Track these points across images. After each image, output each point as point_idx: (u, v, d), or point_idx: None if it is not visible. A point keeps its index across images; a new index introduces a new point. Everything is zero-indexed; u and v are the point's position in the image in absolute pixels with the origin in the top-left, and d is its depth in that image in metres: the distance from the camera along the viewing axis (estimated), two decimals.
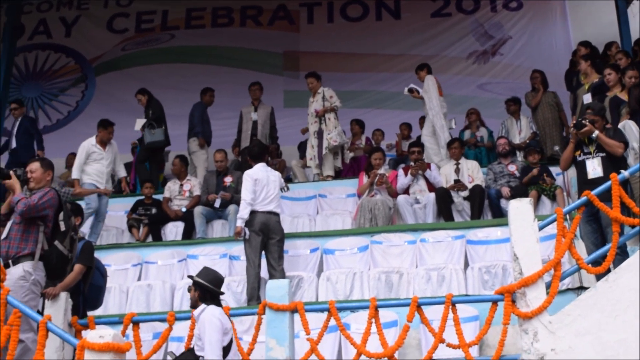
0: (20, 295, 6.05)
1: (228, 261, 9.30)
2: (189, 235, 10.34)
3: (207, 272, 6.16)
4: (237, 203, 10.20)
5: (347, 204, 10.93)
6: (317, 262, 8.99)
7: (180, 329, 6.76)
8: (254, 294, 8.20)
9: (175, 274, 9.38)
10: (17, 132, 12.62)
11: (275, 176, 8.84)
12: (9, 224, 6.44)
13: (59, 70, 16.82)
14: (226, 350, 5.74)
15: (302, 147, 13.06)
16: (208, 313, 5.73)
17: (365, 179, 10.29)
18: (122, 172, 10.94)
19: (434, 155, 11.24)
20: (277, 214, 8.67)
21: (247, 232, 8.40)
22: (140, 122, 12.46)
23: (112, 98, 15.95)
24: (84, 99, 16.35)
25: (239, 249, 9.06)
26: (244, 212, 8.48)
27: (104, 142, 10.50)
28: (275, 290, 6.00)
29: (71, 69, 16.78)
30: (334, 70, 15.29)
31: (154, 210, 10.82)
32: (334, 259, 8.94)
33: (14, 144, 12.60)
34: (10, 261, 6.19)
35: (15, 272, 6.14)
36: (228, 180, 10.65)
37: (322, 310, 6.19)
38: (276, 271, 8.31)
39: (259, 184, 8.55)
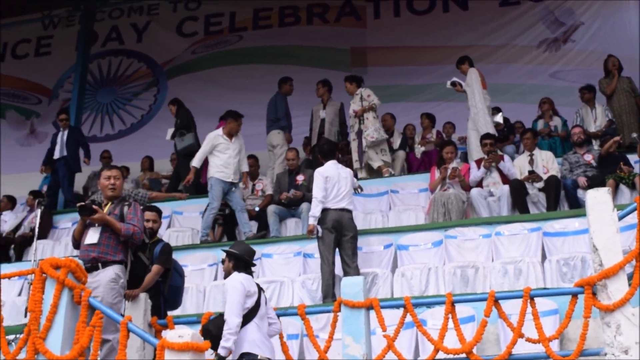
0: (110, 297, 6.27)
1: (302, 259, 9.34)
2: (263, 234, 10.43)
3: (240, 244, 6.45)
4: (310, 201, 10.28)
5: (419, 199, 10.85)
6: (391, 258, 8.96)
7: None
8: (329, 292, 8.21)
9: None
10: (67, 142, 12.95)
11: (346, 173, 8.82)
12: (93, 230, 6.63)
13: (132, 75, 17.18)
14: (253, 311, 5.93)
15: None
16: (232, 278, 6.00)
17: (437, 174, 10.19)
18: (244, 167, 10.79)
19: (475, 152, 11.06)
20: (349, 211, 8.62)
21: (320, 229, 8.42)
22: (170, 132, 12.78)
23: (184, 100, 16.07)
24: (156, 102, 16.66)
25: (312, 246, 9.09)
26: (315, 209, 8.49)
27: (231, 134, 10.54)
28: (350, 288, 5.99)
29: (143, 73, 17.12)
30: (402, 65, 15.22)
31: (227, 211, 10.94)
32: (408, 255, 8.89)
33: (64, 152, 12.92)
34: (99, 264, 6.41)
35: (106, 275, 6.38)
36: (300, 178, 10.68)
37: (397, 307, 6.16)
38: (350, 268, 8.28)
39: (330, 182, 8.54)
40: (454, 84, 11.58)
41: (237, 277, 5.98)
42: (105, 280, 6.40)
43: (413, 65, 15.33)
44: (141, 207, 7.05)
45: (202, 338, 5.23)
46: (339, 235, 8.42)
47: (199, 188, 12.74)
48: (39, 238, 9.71)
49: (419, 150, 12.30)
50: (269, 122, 12.45)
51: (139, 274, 6.83)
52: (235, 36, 16.75)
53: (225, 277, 6.22)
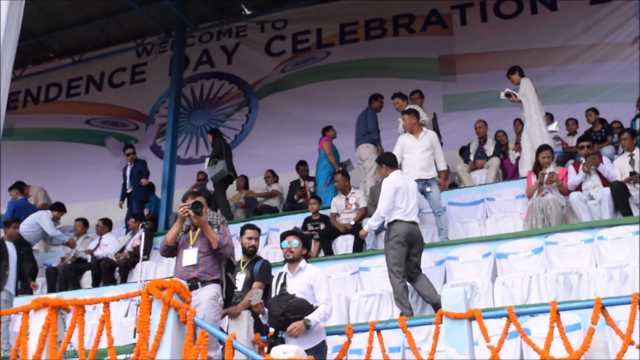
0: (212, 314, 6.45)
1: None
2: (359, 247, 10.44)
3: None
4: None
5: (516, 206, 10.66)
6: (491, 267, 8.81)
7: (359, 341, 6.84)
8: (406, 304, 8.14)
9: (348, 287, 9.50)
10: (131, 175, 13.61)
11: (413, 184, 8.77)
12: (189, 252, 6.82)
13: (224, 96, 17.53)
14: None
15: (464, 152, 12.91)
16: (318, 268, 6.64)
17: (533, 179, 10.00)
18: (441, 165, 10.12)
19: (528, 164, 10.84)
20: (418, 224, 8.57)
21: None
22: (207, 161, 13.40)
23: (276, 119, 16.40)
24: (248, 122, 16.94)
25: None
26: (375, 223, 8.58)
27: (414, 131, 10.23)
28: (451, 298, 5.94)
29: (235, 94, 17.44)
30: (492, 70, 14.97)
31: (322, 226, 11.03)
32: (507, 263, 8.74)
33: (131, 187, 13.61)
34: (199, 283, 6.60)
35: (207, 293, 6.56)
36: None
37: (500, 317, 6.06)
38: (415, 283, 8.31)
39: (400, 192, 8.45)
40: (508, 94, 11.34)
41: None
42: (206, 299, 6.56)
43: (503, 70, 14.93)
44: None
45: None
46: (409, 249, 8.34)
47: (294, 205, 12.93)
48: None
49: (513, 155, 12.10)
50: (358, 135, 12.49)
51: (229, 294, 6.99)
52: (323, 52, 16.88)
53: (293, 260, 6.64)
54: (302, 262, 6.66)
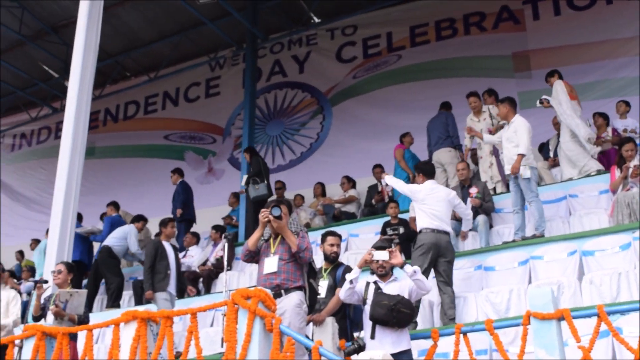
0: (297, 322, 6.49)
1: (483, 272, 9.20)
2: None
3: None
4: (486, 213, 10.15)
5: (600, 201, 10.41)
6: (577, 265, 8.60)
7: (445, 344, 6.77)
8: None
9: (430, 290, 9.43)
10: (174, 198, 14.11)
11: (443, 194, 8.70)
12: (269, 260, 6.89)
13: (297, 105, 17.63)
14: None
15: (543, 148, 12.69)
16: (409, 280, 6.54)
17: (617, 173, 9.74)
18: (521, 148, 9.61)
19: (579, 161, 10.69)
20: (447, 233, 8.49)
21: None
22: (245, 178, 13.59)
23: (350, 125, 16.37)
24: (323, 130, 16.99)
25: (493, 259, 8.96)
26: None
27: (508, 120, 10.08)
28: (538, 299, 5.82)
29: (308, 103, 17.52)
30: (568, 64, 14.64)
31: (401, 230, 10.99)
32: (594, 261, 8.52)
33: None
34: (282, 291, 6.66)
35: (291, 301, 6.62)
36: (473, 191, 10.54)
37: (589, 316, 5.92)
38: (445, 294, 8.28)
39: (419, 196, 8.62)
40: (541, 101, 11.17)
41: None
42: (291, 306, 6.62)
43: (579, 63, 14.75)
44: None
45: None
46: (435, 258, 8.27)
47: (372, 210, 12.92)
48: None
49: (595, 150, 11.82)
50: (436, 139, 12.45)
51: (312, 300, 7.03)
52: (394, 56, 16.81)
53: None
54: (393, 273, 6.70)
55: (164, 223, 10.82)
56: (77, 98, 10.19)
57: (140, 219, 13.13)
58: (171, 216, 13.11)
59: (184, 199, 14.23)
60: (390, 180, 9.33)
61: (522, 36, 15.80)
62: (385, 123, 15.17)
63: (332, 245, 7.60)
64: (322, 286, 7.40)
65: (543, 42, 15.44)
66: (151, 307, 8.97)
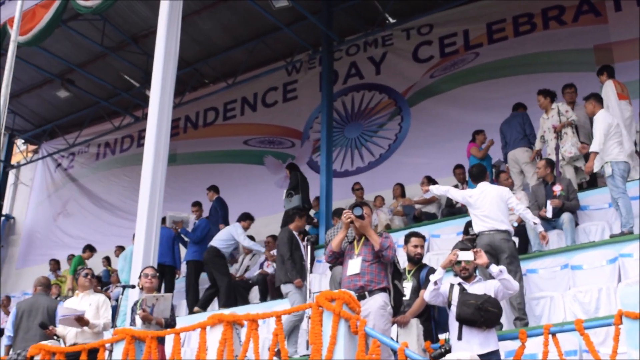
0: (382, 324, 6.48)
1: (570, 272, 9.01)
2: (524, 249, 10.18)
3: None
4: (570, 211, 9.93)
5: None
6: None
7: (533, 345, 6.65)
8: None
9: None
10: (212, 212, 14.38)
11: (495, 192, 8.68)
12: (353, 262, 6.91)
13: (375, 107, 17.56)
14: None
15: None
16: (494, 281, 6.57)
17: None
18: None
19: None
20: (503, 231, 8.45)
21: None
22: (285, 193, 14.42)
23: (429, 125, 16.21)
24: (401, 130, 16.88)
25: (580, 257, 8.76)
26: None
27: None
28: (630, 297, 5.66)
29: (386, 104, 17.42)
30: None
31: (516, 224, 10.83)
32: None
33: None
34: (366, 293, 6.66)
35: (375, 302, 6.62)
36: (557, 189, 10.34)
37: None
38: None
39: (473, 206, 8.61)
40: None
41: None
42: (375, 308, 6.61)
43: None
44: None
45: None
46: (495, 259, 8.15)
47: (452, 210, 12.80)
48: None
49: None
50: (512, 139, 12.34)
51: (397, 301, 6.99)
52: (471, 54, 16.57)
53: None
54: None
55: (299, 214, 10.95)
56: (158, 106, 10.43)
57: (247, 218, 13.28)
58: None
59: (223, 214, 14.68)
60: (439, 190, 9.24)
61: (604, 28, 15.34)
62: (465, 122, 14.95)
63: (415, 246, 7.59)
64: (407, 287, 7.38)
65: (627, 34, 14.91)
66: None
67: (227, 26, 17.81)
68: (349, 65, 18.38)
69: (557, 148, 11.36)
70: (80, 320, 8.35)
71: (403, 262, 7.79)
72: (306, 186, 14.39)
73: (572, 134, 11.33)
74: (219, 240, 12.65)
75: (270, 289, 12.24)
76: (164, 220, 12.72)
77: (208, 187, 15.35)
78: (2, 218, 23.29)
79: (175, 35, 11.02)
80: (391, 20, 17.41)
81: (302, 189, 14.16)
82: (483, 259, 6.43)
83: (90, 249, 17.24)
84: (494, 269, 6.32)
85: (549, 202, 10.17)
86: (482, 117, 14.63)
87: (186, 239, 13.78)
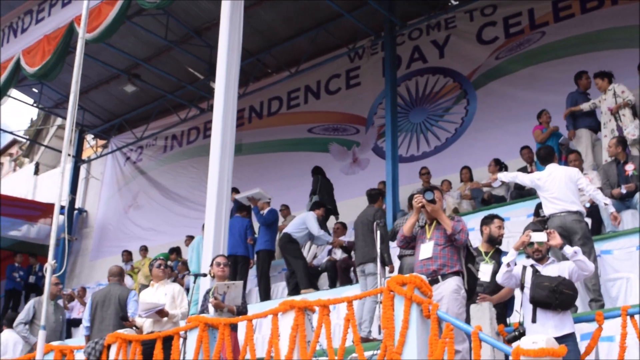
0: (455, 307, 6.45)
1: None
2: (597, 230, 9.97)
3: None
4: None
5: None
6: None
7: (610, 327, 6.52)
8: None
9: None
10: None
11: (563, 173, 8.59)
12: (425, 246, 6.88)
13: (440, 91, 17.37)
14: None
15: None
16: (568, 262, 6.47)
17: None
18: None
19: None
20: (575, 212, 8.35)
21: None
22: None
23: (496, 107, 15.96)
24: (467, 114, 16.66)
25: None
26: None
27: None
28: None
29: (451, 87, 17.22)
30: None
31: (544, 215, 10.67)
32: None
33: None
34: (439, 277, 6.63)
35: (448, 286, 6.58)
36: (629, 168, 10.09)
37: None
38: None
39: (542, 189, 8.54)
40: None
41: None
42: (448, 292, 6.58)
43: None
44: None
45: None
46: (567, 240, 7.89)
47: (521, 192, 12.62)
48: None
49: None
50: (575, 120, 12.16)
51: (470, 285, 6.94)
52: (537, 33, 16.19)
53: None
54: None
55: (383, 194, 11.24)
56: (223, 97, 10.52)
57: (320, 206, 13.35)
58: None
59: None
60: (507, 177, 9.19)
61: None
62: (532, 103, 14.67)
63: (499, 227, 7.60)
64: (483, 270, 7.32)
65: None
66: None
67: (289, 15, 17.87)
68: (412, 49, 18.22)
69: (619, 129, 11.07)
70: (161, 313, 8.52)
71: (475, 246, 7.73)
72: (327, 189, 15.04)
73: (631, 115, 11.01)
74: (292, 225, 12.78)
75: (340, 275, 12.27)
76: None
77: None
78: (75, 212, 23.92)
79: (238, 26, 11.09)
80: (453, 2, 17.20)
81: (321, 192, 14.73)
82: (557, 240, 6.33)
83: (144, 249, 18.46)
84: (568, 250, 6.21)
85: (623, 186, 9.96)
86: (550, 97, 14.35)
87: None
